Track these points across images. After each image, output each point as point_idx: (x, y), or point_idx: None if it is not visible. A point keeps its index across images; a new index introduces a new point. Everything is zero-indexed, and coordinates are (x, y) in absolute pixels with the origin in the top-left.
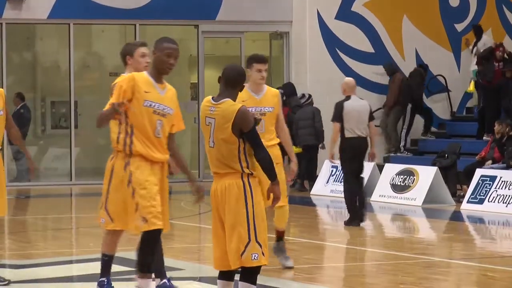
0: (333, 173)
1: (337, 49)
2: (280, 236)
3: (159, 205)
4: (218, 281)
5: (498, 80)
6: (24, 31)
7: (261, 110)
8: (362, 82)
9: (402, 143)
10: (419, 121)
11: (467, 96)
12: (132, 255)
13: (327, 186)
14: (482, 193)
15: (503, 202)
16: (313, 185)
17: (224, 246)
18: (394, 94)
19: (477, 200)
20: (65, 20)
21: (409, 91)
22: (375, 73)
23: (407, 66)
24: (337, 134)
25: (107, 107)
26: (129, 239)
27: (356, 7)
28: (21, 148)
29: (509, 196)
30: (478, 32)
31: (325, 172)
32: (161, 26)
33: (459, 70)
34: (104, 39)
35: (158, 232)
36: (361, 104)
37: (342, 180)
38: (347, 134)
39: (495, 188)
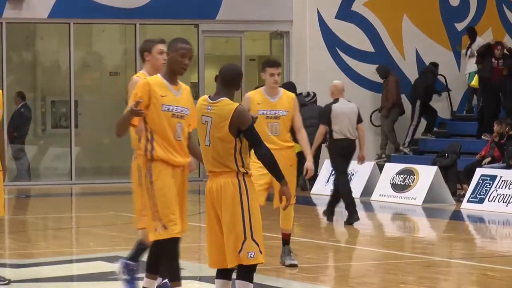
0: (333, 173)
1: (337, 49)
2: (286, 239)
3: (177, 211)
4: (216, 280)
5: (497, 78)
6: (24, 31)
7: (276, 113)
8: (362, 81)
9: (408, 139)
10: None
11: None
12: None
13: (327, 186)
14: (482, 192)
15: (503, 202)
16: (314, 184)
17: (219, 244)
18: (392, 96)
19: (477, 200)
20: (65, 20)
21: (420, 89)
22: (376, 72)
23: (407, 66)
24: (321, 137)
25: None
26: (129, 239)
27: (356, 7)
28: None
29: (509, 195)
30: (473, 35)
31: (325, 171)
32: (161, 26)
33: (459, 70)
34: (104, 38)
35: (177, 239)
36: (349, 106)
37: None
38: (336, 136)
39: (495, 187)
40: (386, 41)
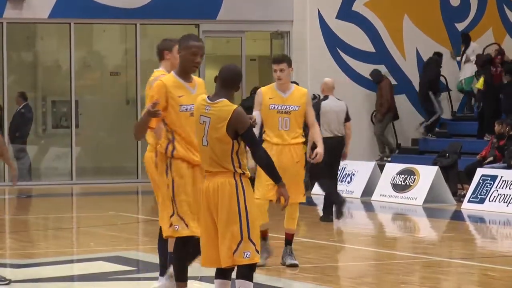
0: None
1: (337, 49)
2: (288, 239)
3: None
4: (215, 280)
5: (498, 81)
6: (25, 31)
7: (286, 108)
8: (363, 81)
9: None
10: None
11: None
12: (132, 254)
13: None
14: (483, 192)
15: (503, 202)
16: (314, 184)
17: (213, 243)
18: (386, 101)
19: (478, 200)
20: (66, 20)
21: (427, 79)
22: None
23: (407, 66)
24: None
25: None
26: (130, 239)
27: (357, 7)
28: None
29: (510, 195)
30: (466, 40)
31: None
32: (162, 26)
33: (459, 70)
34: (105, 38)
35: (193, 238)
36: (338, 104)
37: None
38: (324, 134)
39: (496, 187)
40: (387, 41)
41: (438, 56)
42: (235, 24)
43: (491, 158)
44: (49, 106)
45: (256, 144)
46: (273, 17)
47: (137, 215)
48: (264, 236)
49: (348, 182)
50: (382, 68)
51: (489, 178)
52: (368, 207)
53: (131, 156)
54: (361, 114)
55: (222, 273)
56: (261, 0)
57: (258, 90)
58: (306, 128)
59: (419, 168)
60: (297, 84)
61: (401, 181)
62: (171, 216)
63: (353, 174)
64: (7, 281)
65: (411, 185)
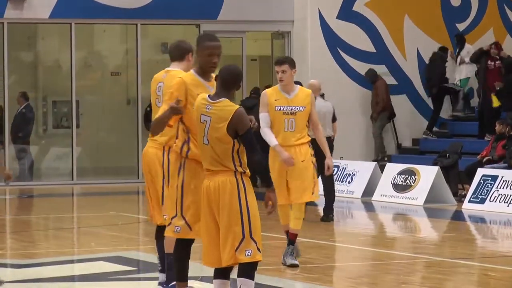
0: (334, 173)
1: (338, 49)
2: (292, 239)
3: None
4: (214, 280)
5: (495, 79)
6: (25, 31)
7: (292, 109)
8: (363, 81)
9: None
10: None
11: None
12: (133, 254)
13: None
14: (484, 192)
15: (504, 202)
16: None
17: (215, 243)
18: (381, 100)
19: (478, 200)
20: (67, 20)
21: (432, 77)
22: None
23: (408, 66)
24: None
25: (161, 111)
26: (130, 239)
27: (358, 7)
28: None
29: (511, 195)
30: (461, 42)
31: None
32: (162, 26)
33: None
34: (106, 38)
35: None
36: (325, 105)
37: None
38: (312, 135)
39: (497, 187)
40: (387, 41)
41: (443, 52)
42: (236, 24)
43: (489, 158)
44: (50, 106)
45: (253, 147)
46: (274, 17)
47: (138, 215)
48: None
49: (349, 182)
50: (383, 68)
51: (490, 178)
52: (369, 207)
53: (131, 156)
54: (361, 113)
55: (222, 273)
56: (262, 0)
57: (263, 92)
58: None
59: (420, 168)
60: (301, 84)
61: (401, 181)
62: (173, 217)
63: (354, 174)
64: (1, 282)
65: (411, 185)
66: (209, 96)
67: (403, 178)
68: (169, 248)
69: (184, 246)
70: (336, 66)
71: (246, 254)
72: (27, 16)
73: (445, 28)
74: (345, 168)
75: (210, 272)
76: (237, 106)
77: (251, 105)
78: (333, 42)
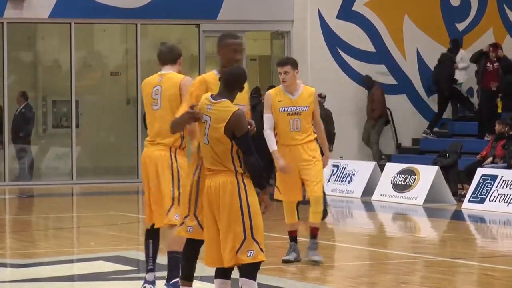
0: (334, 172)
1: (338, 49)
2: (314, 233)
3: None
4: (215, 280)
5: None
6: (25, 31)
7: (296, 109)
8: (363, 81)
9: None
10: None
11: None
12: (133, 254)
13: (328, 185)
14: (483, 192)
15: (504, 201)
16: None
17: (216, 243)
18: (378, 106)
19: (478, 200)
20: (66, 20)
21: (439, 79)
22: (377, 72)
23: (408, 66)
24: None
25: (181, 111)
26: (130, 238)
27: (357, 7)
28: None
29: (510, 195)
30: (455, 47)
31: (326, 171)
32: (162, 26)
33: None
34: (105, 38)
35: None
36: None
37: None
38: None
39: (496, 187)
40: (387, 41)
41: (451, 53)
42: (236, 24)
43: (490, 159)
44: (50, 106)
45: (249, 150)
46: (274, 17)
47: (137, 215)
48: (293, 236)
49: (348, 182)
50: (382, 68)
51: (489, 178)
52: (369, 206)
53: (131, 156)
54: (361, 113)
55: (223, 273)
56: (262, 0)
57: (267, 93)
58: None
59: (420, 167)
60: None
61: (401, 180)
62: (185, 217)
63: (353, 174)
64: None
65: (411, 185)
66: (211, 95)
67: (402, 177)
68: (173, 246)
69: (194, 246)
70: (336, 66)
71: (248, 255)
72: (26, 16)
73: (444, 28)
74: (345, 168)
75: (211, 271)
76: (236, 108)
77: (252, 105)
78: (333, 42)
